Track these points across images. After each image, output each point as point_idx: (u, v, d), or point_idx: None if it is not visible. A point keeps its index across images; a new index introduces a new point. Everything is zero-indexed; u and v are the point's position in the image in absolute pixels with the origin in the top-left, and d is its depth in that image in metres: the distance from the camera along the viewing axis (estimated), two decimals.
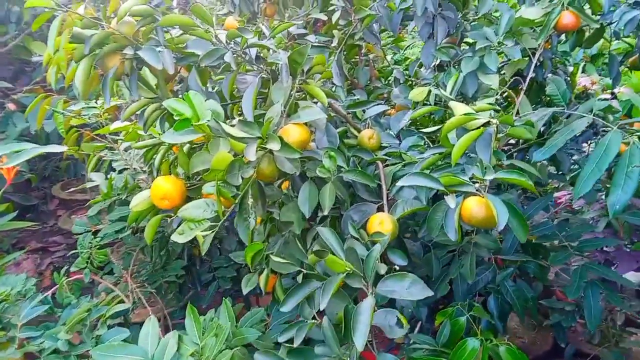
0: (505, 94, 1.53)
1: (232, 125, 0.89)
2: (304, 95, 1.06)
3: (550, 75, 1.50)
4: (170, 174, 0.98)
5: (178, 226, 0.87)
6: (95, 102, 1.87)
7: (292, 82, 0.97)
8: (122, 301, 1.75)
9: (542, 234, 1.66)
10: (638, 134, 1.33)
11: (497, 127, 0.93)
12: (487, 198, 0.86)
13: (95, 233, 2.04)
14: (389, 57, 1.82)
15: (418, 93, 1.39)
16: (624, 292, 2.20)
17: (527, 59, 1.33)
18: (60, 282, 1.77)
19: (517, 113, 1.45)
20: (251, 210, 0.85)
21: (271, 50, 0.98)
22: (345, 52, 1.61)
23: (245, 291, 0.95)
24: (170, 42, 1.04)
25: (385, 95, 1.65)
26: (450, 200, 0.86)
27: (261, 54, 1.01)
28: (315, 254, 0.86)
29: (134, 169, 1.89)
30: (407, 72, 1.83)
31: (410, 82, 1.68)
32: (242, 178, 0.84)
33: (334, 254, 0.86)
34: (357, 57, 1.75)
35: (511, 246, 1.62)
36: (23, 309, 1.65)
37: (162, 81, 1.04)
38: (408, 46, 2.14)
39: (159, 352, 1.15)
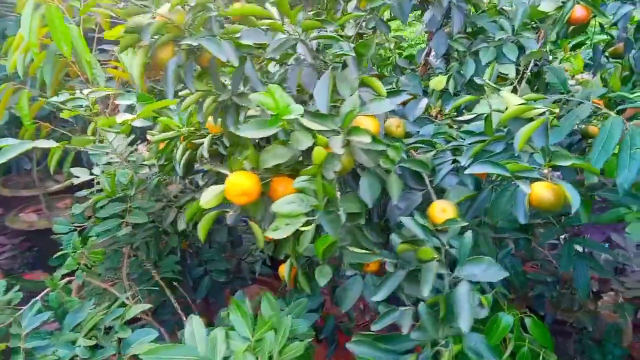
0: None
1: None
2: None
3: (549, 66, 1.61)
4: (241, 170, 0.95)
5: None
6: (81, 93, 1.74)
7: (358, 73, 0.97)
8: (123, 302, 1.67)
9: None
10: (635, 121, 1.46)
11: (552, 117, 0.99)
12: (556, 183, 0.92)
13: (80, 232, 1.92)
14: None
15: (439, 81, 1.43)
16: None
17: (543, 49, 1.41)
18: (57, 286, 1.66)
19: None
20: (340, 205, 0.85)
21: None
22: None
23: (321, 283, 0.95)
24: (225, 32, 1.00)
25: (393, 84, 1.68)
26: (524, 186, 0.91)
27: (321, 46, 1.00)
28: (407, 243, 0.88)
29: (126, 162, 1.79)
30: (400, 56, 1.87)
31: (414, 71, 1.73)
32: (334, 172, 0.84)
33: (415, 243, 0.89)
34: None
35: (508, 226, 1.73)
36: (24, 317, 1.53)
37: (216, 73, 1.00)
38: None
39: (210, 350, 1.13)
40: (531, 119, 1.03)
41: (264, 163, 0.94)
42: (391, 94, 1.45)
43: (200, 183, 1.71)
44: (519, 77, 1.55)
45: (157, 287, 1.92)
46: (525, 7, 1.38)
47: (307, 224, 0.83)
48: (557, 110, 1.00)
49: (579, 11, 1.36)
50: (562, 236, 1.91)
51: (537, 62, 1.68)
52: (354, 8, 1.53)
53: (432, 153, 1.29)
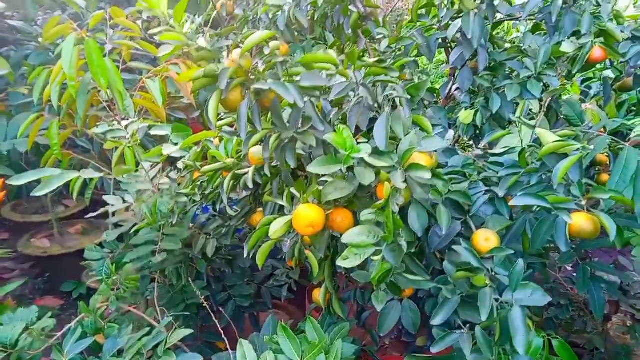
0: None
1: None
2: None
3: (564, 98, 1.72)
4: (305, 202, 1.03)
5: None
6: (118, 124, 1.81)
7: (411, 113, 1.06)
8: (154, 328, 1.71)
9: None
10: None
11: (586, 154, 1.08)
12: (594, 214, 1.01)
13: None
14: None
15: (467, 115, 1.53)
16: None
17: (561, 87, 1.52)
18: (94, 312, 1.70)
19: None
20: (401, 234, 0.93)
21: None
22: None
23: (378, 308, 1.02)
24: (285, 75, 1.09)
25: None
26: (566, 217, 1.00)
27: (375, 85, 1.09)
28: (464, 271, 0.95)
29: (158, 190, 1.86)
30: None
31: (437, 103, 1.83)
32: (397, 205, 0.92)
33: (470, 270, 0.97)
34: None
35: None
36: (66, 344, 1.57)
37: (279, 112, 1.08)
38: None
39: None
40: (566, 155, 1.12)
41: (326, 196, 1.01)
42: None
43: (231, 212, 1.78)
44: (540, 110, 1.66)
45: (187, 312, 1.96)
46: (547, 47, 1.49)
47: (376, 253, 0.90)
48: (591, 147, 1.09)
49: (597, 52, 1.48)
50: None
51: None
52: (386, 47, 1.63)
53: (467, 183, 1.38)
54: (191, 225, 1.98)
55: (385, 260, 0.94)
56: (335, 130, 0.97)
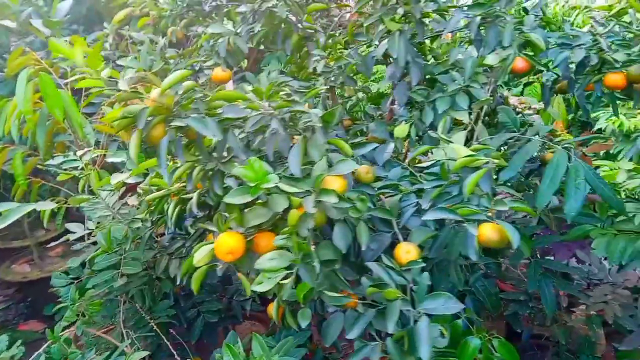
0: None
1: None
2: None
3: (500, 106, 1.79)
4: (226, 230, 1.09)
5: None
6: (74, 155, 1.87)
7: (326, 139, 1.13)
8: (122, 350, 1.77)
9: None
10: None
11: (495, 165, 1.15)
12: (499, 224, 1.08)
13: (77, 284, 2.03)
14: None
15: (402, 129, 1.60)
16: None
17: (491, 98, 1.59)
18: (59, 338, 1.75)
19: (476, 138, 1.71)
20: (315, 255, 1.00)
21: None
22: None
23: (303, 325, 1.09)
24: (209, 107, 1.15)
25: (364, 129, 1.85)
26: (472, 228, 1.06)
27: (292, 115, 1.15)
28: (374, 286, 1.02)
29: (119, 216, 1.91)
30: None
31: (382, 117, 1.90)
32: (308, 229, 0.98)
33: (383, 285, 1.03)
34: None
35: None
36: None
37: (203, 145, 1.14)
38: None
39: None
40: (478, 167, 1.19)
41: (247, 223, 1.08)
42: (359, 145, 1.61)
43: (191, 230, 1.84)
44: (476, 118, 1.73)
45: (153, 332, 2.02)
46: (473, 60, 1.56)
47: (286, 277, 0.96)
48: (496, 161, 1.16)
49: (520, 63, 1.55)
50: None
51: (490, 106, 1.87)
52: (323, 66, 1.70)
53: (399, 196, 1.45)
54: (155, 246, 2.04)
55: (302, 280, 1.01)
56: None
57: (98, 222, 1.94)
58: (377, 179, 1.59)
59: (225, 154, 1.19)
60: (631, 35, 1.67)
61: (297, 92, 1.72)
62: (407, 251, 1.18)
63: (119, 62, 2.24)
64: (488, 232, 1.09)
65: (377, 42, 1.61)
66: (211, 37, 1.72)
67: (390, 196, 1.47)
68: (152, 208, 1.58)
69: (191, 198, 1.53)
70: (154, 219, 1.59)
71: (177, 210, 1.52)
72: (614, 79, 1.63)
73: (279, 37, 1.85)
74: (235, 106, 1.13)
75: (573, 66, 1.84)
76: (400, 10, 1.52)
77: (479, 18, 1.50)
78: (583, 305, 2.56)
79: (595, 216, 1.87)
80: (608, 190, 1.65)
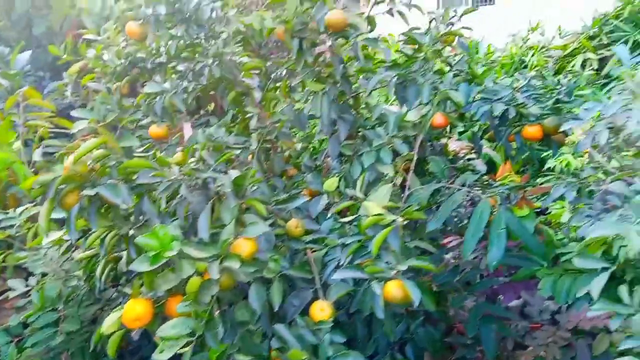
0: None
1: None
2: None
3: (430, 156, 1.86)
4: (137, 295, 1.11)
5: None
6: (13, 212, 1.88)
7: (237, 201, 1.17)
8: None
9: (440, 282, 1.99)
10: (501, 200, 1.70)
11: (401, 223, 1.20)
12: (402, 282, 1.12)
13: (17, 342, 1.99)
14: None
15: (331, 183, 1.65)
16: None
17: (412, 153, 1.66)
18: None
19: (409, 188, 1.78)
20: (219, 320, 1.02)
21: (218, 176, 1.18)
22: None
23: None
24: (121, 173, 1.19)
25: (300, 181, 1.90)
26: (377, 288, 1.10)
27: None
28: (278, 350, 1.04)
29: (56, 274, 1.90)
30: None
31: (319, 168, 1.95)
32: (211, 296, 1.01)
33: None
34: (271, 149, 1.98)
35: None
36: None
37: (117, 211, 1.18)
38: None
39: None
40: (388, 224, 1.24)
41: (158, 287, 1.10)
42: (293, 198, 1.65)
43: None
44: (408, 169, 1.79)
45: None
46: (396, 116, 1.64)
47: (186, 345, 0.98)
48: (400, 219, 1.21)
49: (438, 119, 1.63)
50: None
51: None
52: (257, 122, 1.76)
53: (325, 251, 1.49)
54: (100, 300, 2.03)
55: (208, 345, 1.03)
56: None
57: (40, 277, 1.93)
58: (309, 231, 1.63)
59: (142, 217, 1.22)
60: (546, 90, 1.78)
61: (232, 147, 1.78)
62: (321, 309, 1.21)
63: (72, 113, 2.28)
64: (393, 290, 1.13)
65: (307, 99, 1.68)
66: (148, 95, 1.78)
67: (317, 250, 1.51)
68: (83, 266, 1.59)
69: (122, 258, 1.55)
70: (85, 278, 1.59)
71: (107, 269, 1.53)
72: (531, 130, 1.72)
73: (220, 91, 1.91)
74: (150, 171, 1.17)
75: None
76: (326, 71, 1.60)
77: (395, 78, 1.59)
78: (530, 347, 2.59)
79: (534, 259, 1.93)
80: (530, 237, 1.72)
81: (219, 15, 1.84)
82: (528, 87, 1.79)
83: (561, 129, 1.49)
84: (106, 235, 1.16)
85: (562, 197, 1.75)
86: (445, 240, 2.56)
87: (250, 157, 1.85)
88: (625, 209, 0.94)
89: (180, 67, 1.86)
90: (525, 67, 6.07)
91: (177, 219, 1.20)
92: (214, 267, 1.04)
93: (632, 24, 5.29)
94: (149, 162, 1.12)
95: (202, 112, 2.14)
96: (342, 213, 1.69)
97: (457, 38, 1.77)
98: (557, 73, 5.99)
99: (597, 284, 1.01)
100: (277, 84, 1.99)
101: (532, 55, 6.07)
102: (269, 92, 1.95)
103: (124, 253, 1.50)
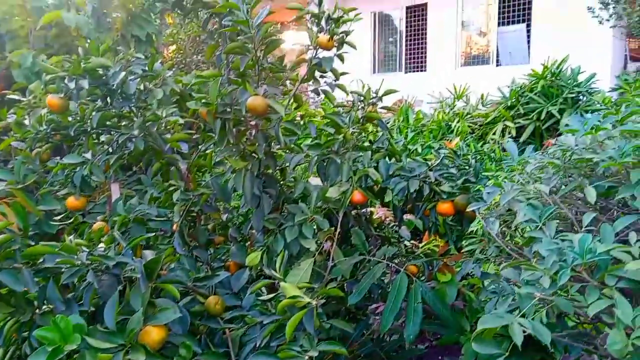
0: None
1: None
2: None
3: (352, 229, 1.93)
4: None
5: None
6: None
7: (148, 286, 1.15)
8: None
9: (365, 353, 2.00)
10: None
11: (316, 305, 1.23)
12: None
13: None
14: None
15: (254, 258, 1.66)
16: None
17: (332, 228, 1.71)
18: None
19: (332, 259, 1.82)
20: None
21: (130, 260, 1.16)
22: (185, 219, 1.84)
23: None
24: (26, 257, 1.15)
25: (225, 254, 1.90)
26: None
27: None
28: None
29: None
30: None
31: (244, 239, 1.96)
32: None
33: None
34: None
35: None
36: None
37: (20, 297, 1.12)
38: None
39: None
40: (304, 306, 1.26)
41: None
42: (212, 275, 1.63)
43: None
44: (332, 242, 1.83)
45: None
46: (317, 192, 1.70)
47: None
48: (314, 303, 1.23)
49: (357, 196, 1.71)
50: None
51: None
52: (180, 193, 1.76)
53: (243, 330, 1.47)
54: None
55: None
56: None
57: None
58: (229, 308, 1.61)
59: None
60: (457, 169, 1.92)
61: (154, 220, 1.76)
62: None
63: None
64: None
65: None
66: (67, 166, 1.74)
67: (235, 330, 1.49)
68: None
69: None
70: None
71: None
72: (444, 207, 1.83)
73: (146, 161, 1.90)
74: (56, 256, 1.13)
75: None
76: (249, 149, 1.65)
77: (316, 157, 1.66)
78: None
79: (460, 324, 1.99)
80: (444, 311, 1.79)
81: (147, 87, 1.86)
82: (441, 165, 1.92)
83: (468, 209, 1.60)
84: (5, 323, 1.10)
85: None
86: (373, 306, 2.60)
87: (174, 227, 1.83)
88: (514, 298, 1.02)
89: (103, 138, 1.85)
90: (452, 132, 6.49)
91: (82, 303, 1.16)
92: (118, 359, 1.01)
93: (544, 96, 5.84)
94: (54, 248, 1.09)
95: (133, 169, 2.11)
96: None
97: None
98: (480, 139, 6.44)
99: None
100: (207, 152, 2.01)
101: (458, 122, 6.50)
102: (198, 159, 1.97)
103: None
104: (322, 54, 1.86)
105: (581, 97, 5.65)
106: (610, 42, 8.16)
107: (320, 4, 1.84)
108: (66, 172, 1.75)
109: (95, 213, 2.06)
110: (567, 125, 1.22)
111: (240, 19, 1.37)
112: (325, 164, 1.77)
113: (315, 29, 1.84)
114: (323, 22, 1.83)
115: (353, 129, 1.80)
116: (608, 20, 7.17)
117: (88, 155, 1.77)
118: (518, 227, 1.24)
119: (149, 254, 1.24)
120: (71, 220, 1.99)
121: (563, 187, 1.15)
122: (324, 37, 1.80)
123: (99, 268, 1.15)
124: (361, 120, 1.79)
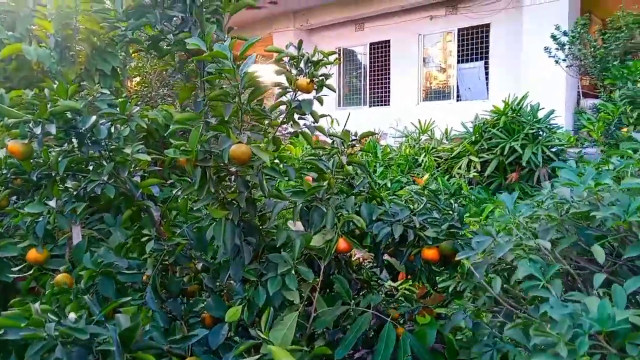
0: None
1: None
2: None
3: (335, 275, 1.85)
4: None
5: None
6: None
7: (124, 357, 1.04)
8: None
9: None
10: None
11: None
12: None
13: None
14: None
15: (234, 313, 1.55)
16: None
17: (317, 279, 1.64)
18: None
19: (315, 310, 1.74)
20: None
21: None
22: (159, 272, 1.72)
23: None
24: None
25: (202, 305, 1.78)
26: None
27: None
28: None
29: None
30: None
31: (221, 290, 1.85)
32: None
33: None
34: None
35: None
36: None
37: None
38: None
39: None
40: None
41: None
42: (188, 336, 1.52)
43: None
44: (317, 290, 1.75)
45: None
46: (300, 241, 1.62)
47: None
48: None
49: (343, 244, 1.65)
50: None
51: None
52: (154, 243, 1.65)
53: None
54: None
55: None
56: None
57: None
58: None
59: None
60: (441, 214, 1.89)
61: (125, 274, 1.64)
62: None
63: None
64: None
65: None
66: (28, 215, 1.60)
67: None
68: None
69: None
70: None
71: None
72: (429, 253, 1.79)
73: (113, 209, 1.78)
74: (17, 330, 1.01)
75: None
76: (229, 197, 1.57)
77: (300, 205, 1.60)
78: None
79: None
80: (425, 353, 1.72)
81: (118, 129, 1.76)
82: (425, 210, 1.89)
83: (457, 258, 1.56)
84: None
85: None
86: (357, 355, 2.51)
87: (145, 277, 1.71)
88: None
89: (69, 183, 1.72)
90: (419, 166, 6.57)
91: None
92: None
93: (506, 132, 6.00)
94: (19, 322, 0.97)
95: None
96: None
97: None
98: (446, 172, 6.54)
99: None
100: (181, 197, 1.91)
101: (425, 156, 6.60)
102: (172, 203, 1.86)
103: None
104: (302, 96, 1.82)
105: (541, 133, 5.84)
106: (563, 79, 8.57)
107: (299, 47, 1.81)
108: (27, 223, 1.61)
109: (54, 258, 1.90)
110: (560, 175, 1.20)
111: (227, 68, 1.31)
112: (308, 210, 1.71)
113: (294, 71, 1.80)
114: (302, 64, 1.79)
115: (335, 174, 1.75)
116: (564, 60, 7.54)
117: (52, 203, 1.64)
118: (515, 281, 1.20)
119: (123, 320, 1.13)
120: (31, 272, 1.83)
121: (562, 239, 1.12)
122: (303, 80, 1.76)
123: (67, 340, 1.02)
124: (340, 168, 1.75)
